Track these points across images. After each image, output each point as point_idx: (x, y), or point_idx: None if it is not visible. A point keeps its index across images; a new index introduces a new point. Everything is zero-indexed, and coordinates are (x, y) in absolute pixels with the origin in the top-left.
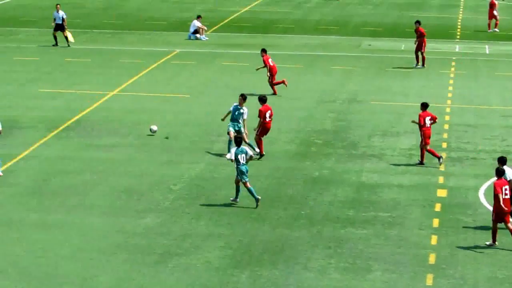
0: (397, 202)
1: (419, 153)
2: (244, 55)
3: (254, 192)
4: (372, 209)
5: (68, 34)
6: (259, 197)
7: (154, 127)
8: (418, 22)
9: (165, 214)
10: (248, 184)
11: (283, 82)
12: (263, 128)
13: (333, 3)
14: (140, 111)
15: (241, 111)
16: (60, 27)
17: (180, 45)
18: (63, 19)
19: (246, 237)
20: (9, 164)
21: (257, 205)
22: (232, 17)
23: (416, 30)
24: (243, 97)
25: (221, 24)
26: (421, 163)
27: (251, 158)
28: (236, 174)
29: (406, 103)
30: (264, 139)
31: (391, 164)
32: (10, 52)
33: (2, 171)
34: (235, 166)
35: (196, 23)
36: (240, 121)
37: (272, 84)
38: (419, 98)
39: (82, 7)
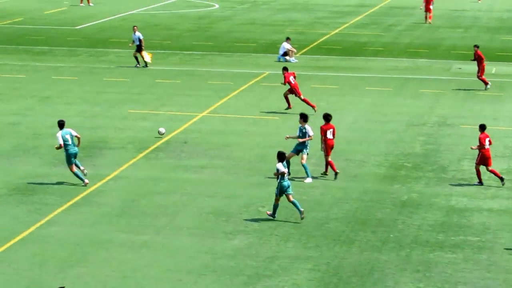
0: (487, 226)
1: (476, 174)
2: (333, 78)
3: (298, 204)
4: (462, 233)
5: (145, 54)
6: (303, 209)
7: (162, 130)
8: (476, 46)
9: (254, 236)
10: (291, 197)
11: (313, 106)
12: (326, 146)
13: (423, 26)
14: (229, 132)
15: (304, 130)
16: (138, 48)
17: (270, 67)
18: (140, 40)
19: (334, 259)
20: (98, 184)
21: (302, 217)
22: (322, 39)
23: (475, 54)
24: (302, 117)
25: (310, 46)
26: (480, 183)
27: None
28: (276, 190)
29: (497, 127)
30: (353, 161)
31: (481, 188)
32: (100, 73)
33: (92, 192)
34: (278, 181)
35: (286, 45)
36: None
37: (286, 97)
38: (510, 122)
39: (173, 29)
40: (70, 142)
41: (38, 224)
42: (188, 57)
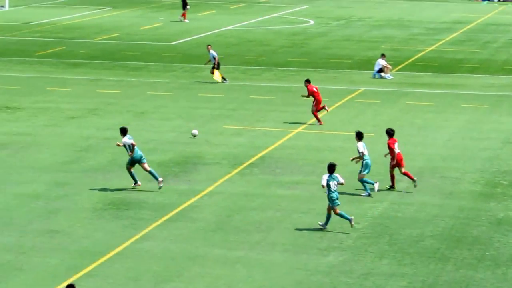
0: None
1: None
2: (429, 95)
3: (345, 214)
4: None
5: (216, 72)
6: (352, 217)
7: (195, 131)
8: None
9: (348, 252)
10: (337, 209)
11: (324, 107)
12: (395, 159)
13: None
14: (324, 149)
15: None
16: (215, 66)
17: (365, 83)
18: (214, 58)
19: (429, 277)
20: (193, 199)
21: (351, 225)
22: (417, 56)
23: None
24: (357, 135)
25: (405, 63)
26: None
27: (341, 184)
28: (328, 201)
29: None
30: (448, 179)
31: None
32: (195, 88)
33: (187, 207)
34: (327, 193)
35: (381, 62)
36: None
37: (315, 113)
38: None
39: (267, 45)
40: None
41: (133, 239)
42: (283, 73)
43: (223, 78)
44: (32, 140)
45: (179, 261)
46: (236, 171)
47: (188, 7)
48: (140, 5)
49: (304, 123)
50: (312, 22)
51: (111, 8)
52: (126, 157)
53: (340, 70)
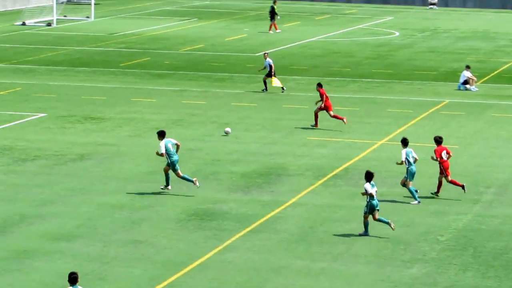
0: None
1: None
2: None
3: (384, 218)
4: None
5: (275, 80)
6: (390, 220)
7: (228, 129)
8: None
9: (432, 265)
10: (377, 215)
11: (342, 119)
12: (442, 167)
13: None
14: None
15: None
16: (269, 74)
17: (450, 95)
18: (270, 66)
19: None
20: (276, 210)
21: (393, 228)
22: (503, 68)
23: None
24: (402, 142)
25: (491, 75)
26: None
27: (375, 193)
28: (365, 208)
29: None
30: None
31: None
32: (279, 100)
33: (270, 218)
34: (367, 200)
35: (466, 74)
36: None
37: (315, 115)
38: None
39: (352, 56)
40: (172, 151)
41: (216, 250)
42: (367, 85)
43: (265, 84)
44: (116, 150)
45: (262, 272)
46: (319, 182)
47: (278, 17)
48: (225, 16)
49: (389, 135)
50: (397, 33)
51: (196, 19)
52: (209, 168)
53: (425, 82)
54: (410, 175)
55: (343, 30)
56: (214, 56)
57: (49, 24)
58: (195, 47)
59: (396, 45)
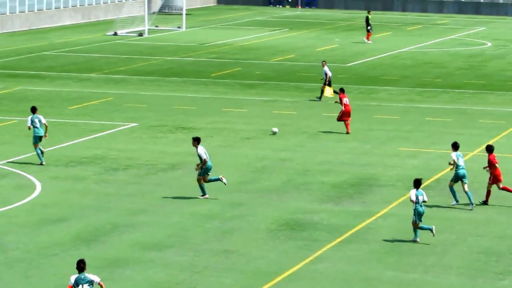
0: None
1: None
2: None
3: (425, 226)
4: None
5: (327, 89)
6: (433, 226)
7: (275, 129)
8: None
9: None
10: (419, 223)
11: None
12: (493, 176)
13: None
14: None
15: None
16: (328, 83)
17: None
18: (326, 75)
19: None
20: (368, 221)
21: (433, 234)
22: None
23: None
24: (452, 146)
25: None
26: None
27: (424, 202)
28: (413, 215)
29: None
30: None
31: None
32: (370, 110)
33: (362, 229)
34: (414, 207)
35: None
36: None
37: (340, 120)
38: None
39: (444, 67)
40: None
41: (307, 260)
42: (459, 95)
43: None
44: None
45: (353, 283)
46: None
47: (369, 28)
48: (316, 26)
49: (480, 146)
50: (489, 44)
51: (287, 29)
52: (300, 178)
53: None
54: (457, 177)
55: (435, 41)
56: (305, 67)
57: (140, 34)
58: (285, 57)
59: (488, 55)
